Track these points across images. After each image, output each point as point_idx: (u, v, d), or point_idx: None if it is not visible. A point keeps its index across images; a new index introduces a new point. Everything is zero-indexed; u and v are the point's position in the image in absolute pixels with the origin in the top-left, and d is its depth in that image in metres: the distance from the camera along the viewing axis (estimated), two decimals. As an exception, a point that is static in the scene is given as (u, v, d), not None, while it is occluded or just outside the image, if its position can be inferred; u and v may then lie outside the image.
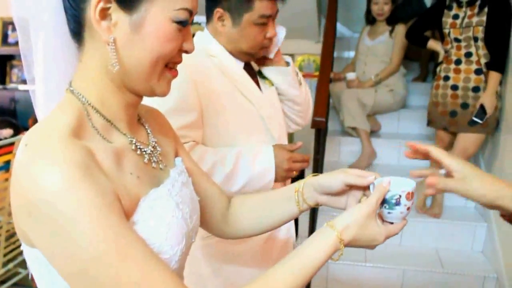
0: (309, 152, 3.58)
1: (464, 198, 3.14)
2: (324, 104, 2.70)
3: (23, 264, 2.68)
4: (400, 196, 0.77)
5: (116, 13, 0.68)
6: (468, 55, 2.78)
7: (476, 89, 2.76)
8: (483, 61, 2.74)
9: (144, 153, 0.78)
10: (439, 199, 3.06)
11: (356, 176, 0.84)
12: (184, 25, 0.72)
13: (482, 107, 2.71)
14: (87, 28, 0.70)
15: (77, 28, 0.71)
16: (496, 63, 2.72)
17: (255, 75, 1.54)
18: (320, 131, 2.75)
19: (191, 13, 0.72)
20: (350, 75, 3.54)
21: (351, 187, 0.88)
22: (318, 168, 2.81)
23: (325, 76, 2.95)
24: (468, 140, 2.83)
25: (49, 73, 0.74)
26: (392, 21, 3.46)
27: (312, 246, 0.73)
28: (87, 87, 0.72)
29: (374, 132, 3.62)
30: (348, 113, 3.41)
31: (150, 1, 0.68)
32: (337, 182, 0.86)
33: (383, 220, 0.81)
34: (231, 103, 1.40)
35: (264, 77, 1.54)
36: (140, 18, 0.68)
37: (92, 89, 0.72)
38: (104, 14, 0.67)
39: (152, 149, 0.81)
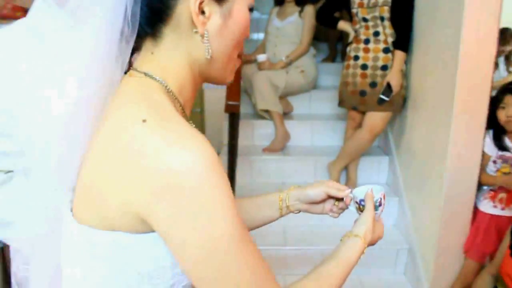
0: (221, 138, 3.49)
1: (376, 175, 3.26)
2: (237, 87, 2.61)
3: None
4: (381, 198, 0.96)
5: (209, 6, 0.70)
6: (376, 34, 2.82)
7: (384, 68, 2.81)
8: (390, 40, 2.80)
9: None
10: (353, 177, 3.12)
11: (336, 189, 1.01)
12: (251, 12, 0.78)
13: (388, 85, 2.78)
14: (171, 22, 0.71)
15: (154, 21, 0.71)
16: (400, 43, 2.79)
17: None
18: (234, 116, 2.66)
19: None
20: (261, 57, 3.47)
21: (328, 197, 1.04)
22: (233, 153, 2.72)
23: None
24: (375, 118, 2.89)
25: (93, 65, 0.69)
26: (300, 2, 3.44)
27: (349, 251, 0.87)
28: (164, 76, 0.72)
29: (286, 114, 3.61)
30: (260, 96, 3.35)
31: None
32: (320, 193, 1.02)
33: None
34: None
35: None
36: (229, 9, 0.72)
37: (171, 78, 0.73)
38: (200, 8, 0.70)
39: None
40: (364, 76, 2.87)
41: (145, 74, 0.72)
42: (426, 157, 2.59)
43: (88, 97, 0.68)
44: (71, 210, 0.70)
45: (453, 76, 2.21)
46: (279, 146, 3.37)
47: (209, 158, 0.59)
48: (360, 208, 0.97)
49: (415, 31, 2.79)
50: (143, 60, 0.74)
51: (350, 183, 3.09)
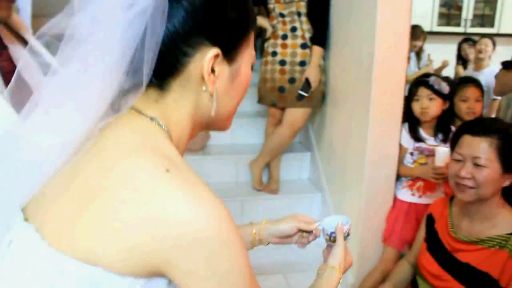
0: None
1: (298, 171, 3.27)
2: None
3: None
4: (348, 229, 1.06)
5: (220, 65, 0.71)
6: (293, 29, 2.82)
7: (302, 63, 2.82)
8: (307, 35, 2.80)
9: None
10: (275, 175, 3.10)
11: (305, 223, 1.11)
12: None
13: (307, 80, 2.79)
14: (180, 77, 0.70)
15: (164, 74, 0.69)
16: (317, 38, 2.81)
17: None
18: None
19: None
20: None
21: (298, 230, 1.13)
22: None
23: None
24: (295, 114, 2.90)
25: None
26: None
27: (328, 282, 0.95)
28: (167, 125, 0.71)
29: (206, 113, 3.51)
30: (178, 94, 3.23)
31: (242, 52, 0.74)
32: (293, 228, 1.11)
33: None
34: None
35: None
36: (237, 68, 0.74)
37: (172, 129, 0.72)
38: (212, 67, 0.70)
39: None
40: (282, 72, 2.86)
41: (151, 118, 0.70)
42: (346, 152, 2.63)
43: (66, 142, 0.66)
44: (37, 231, 0.65)
45: (369, 71, 2.24)
46: (199, 145, 3.27)
47: (223, 209, 0.62)
48: (331, 239, 1.05)
49: (332, 26, 2.82)
50: (146, 104, 0.71)
51: (273, 180, 3.07)
